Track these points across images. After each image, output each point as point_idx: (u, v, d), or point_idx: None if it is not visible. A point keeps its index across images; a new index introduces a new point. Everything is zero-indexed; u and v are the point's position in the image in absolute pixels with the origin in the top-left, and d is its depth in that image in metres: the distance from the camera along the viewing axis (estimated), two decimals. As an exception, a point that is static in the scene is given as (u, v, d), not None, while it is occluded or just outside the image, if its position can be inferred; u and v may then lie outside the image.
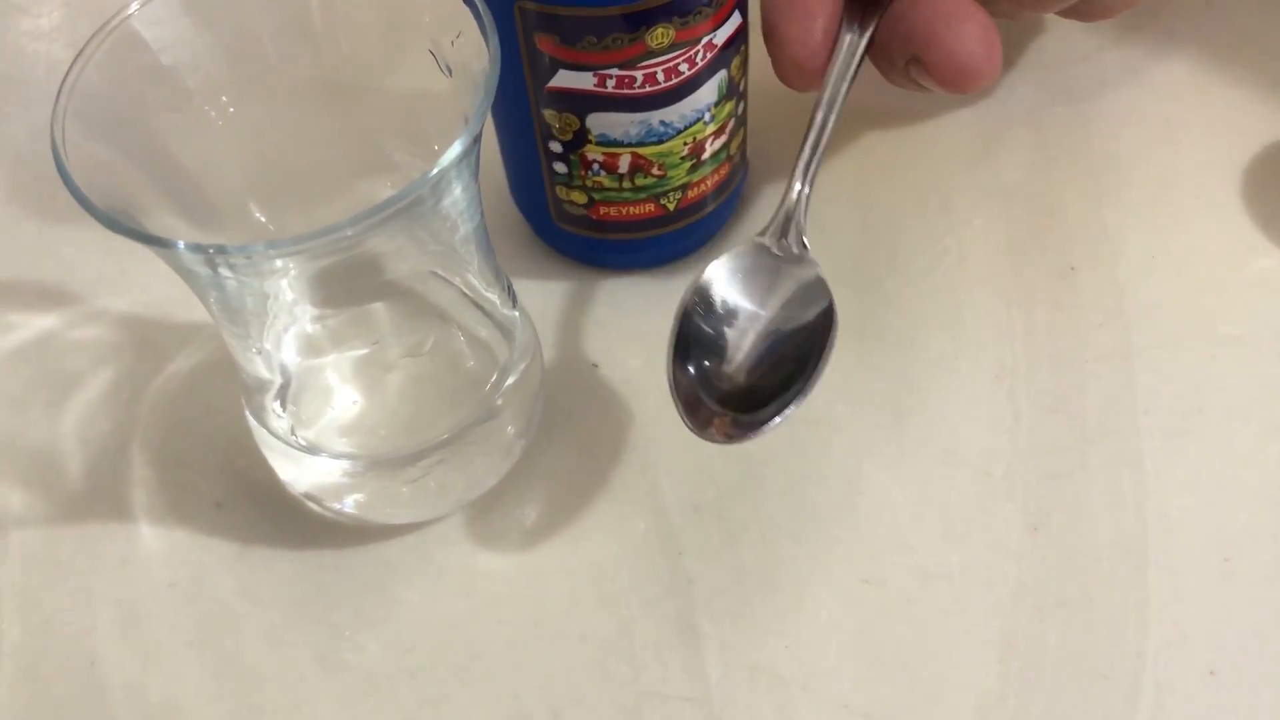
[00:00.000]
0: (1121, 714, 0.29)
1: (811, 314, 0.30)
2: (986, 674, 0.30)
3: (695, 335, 0.30)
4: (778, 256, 0.31)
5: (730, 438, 0.29)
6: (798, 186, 0.31)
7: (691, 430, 0.29)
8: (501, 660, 0.31)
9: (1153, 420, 0.34)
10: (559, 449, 0.34)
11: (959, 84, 0.32)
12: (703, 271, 0.31)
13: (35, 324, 0.38)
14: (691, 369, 0.30)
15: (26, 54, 0.45)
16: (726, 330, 0.30)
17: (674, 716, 0.30)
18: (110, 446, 0.35)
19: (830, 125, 0.32)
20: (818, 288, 0.30)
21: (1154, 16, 0.43)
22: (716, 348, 0.30)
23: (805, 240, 0.31)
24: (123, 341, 0.38)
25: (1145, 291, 0.36)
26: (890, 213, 0.38)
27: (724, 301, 0.30)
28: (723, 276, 0.31)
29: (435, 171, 0.24)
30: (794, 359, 0.30)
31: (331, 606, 0.32)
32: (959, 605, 0.31)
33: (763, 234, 0.31)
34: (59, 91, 0.25)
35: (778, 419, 0.28)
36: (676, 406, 0.29)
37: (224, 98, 0.28)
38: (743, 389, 0.30)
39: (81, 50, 0.25)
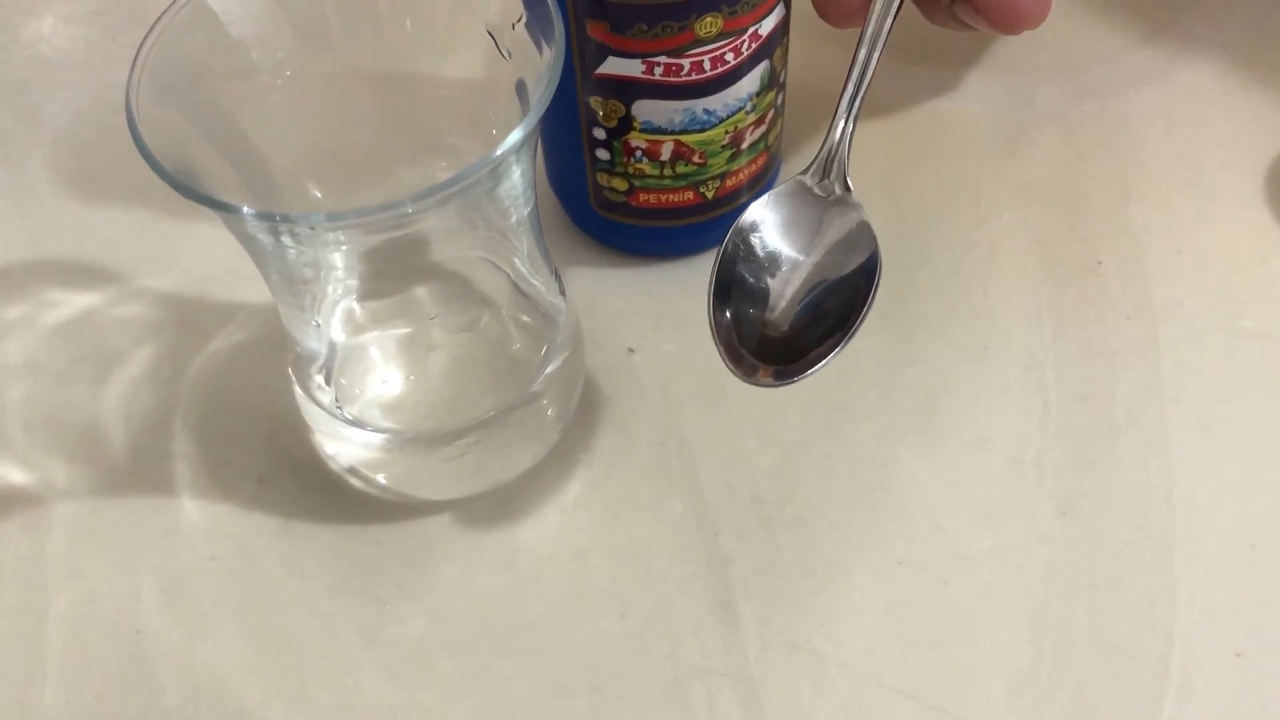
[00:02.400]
0: (1150, 693, 0.30)
1: (855, 260, 0.29)
2: (1019, 654, 0.31)
3: (737, 280, 0.30)
4: (819, 197, 0.30)
5: (774, 381, 0.29)
6: (841, 124, 0.30)
7: (731, 371, 0.28)
8: (542, 634, 0.31)
9: (1179, 410, 0.34)
10: (597, 431, 0.35)
11: (1009, 24, 0.32)
12: (744, 212, 0.30)
13: (77, 302, 0.39)
14: (731, 313, 0.29)
15: (65, 36, 0.46)
16: (768, 276, 0.30)
17: (713, 691, 0.30)
18: (153, 422, 0.36)
19: (874, 63, 0.31)
20: (861, 232, 0.30)
21: (1177, 19, 0.44)
22: (758, 293, 0.30)
23: (849, 181, 0.30)
24: (164, 320, 0.38)
25: (1171, 286, 0.37)
26: (922, 206, 0.39)
27: (766, 245, 0.30)
28: (764, 219, 0.30)
29: (498, 153, 0.24)
30: (836, 303, 0.29)
31: (374, 580, 0.33)
32: (991, 587, 0.32)
33: (805, 172, 0.31)
34: (134, 59, 0.25)
35: (819, 366, 0.28)
36: (717, 349, 0.29)
37: (288, 72, 0.28)
38: (785, 335, 0.29)
39: (158, 19, 0.26)
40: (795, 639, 0.31)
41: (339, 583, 0.33)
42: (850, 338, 0.28)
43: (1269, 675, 0.30)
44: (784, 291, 0.30)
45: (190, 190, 0.24)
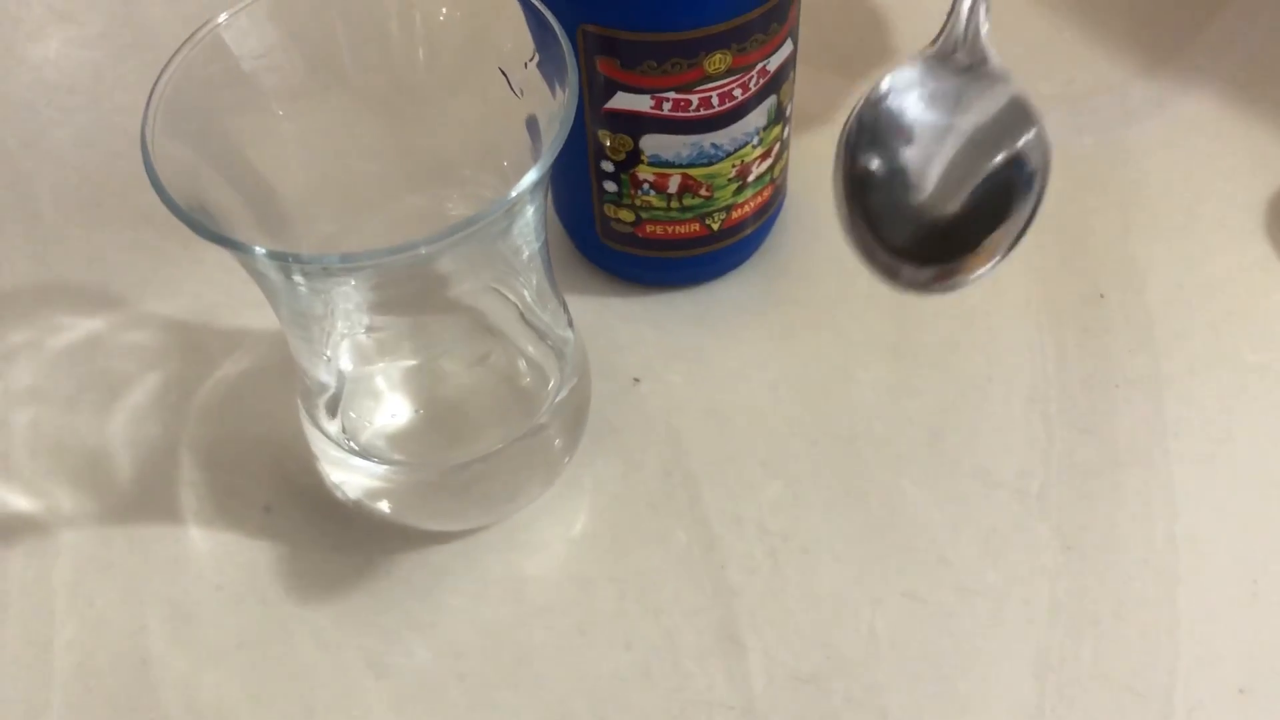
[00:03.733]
0: (1154, 729, 0.30)
1: (1013, 138, 0.25)
2: (1023, 688, 0.31)
3: (874, 165, 0.25)
4: (955, 71, 0.26)
5: (932, 286, 0.25)
6: None
7: (877, 275, 0.25)
8: (549, 666, 0.32)
9: (1182, 444, 0.34)
10: (603, 461, 0.35)
11: None
12: (874, 87, 0.25)
13: (84, 326, 0.39)
14: (867, 205, 0.25)
15: (72, 61, 0.46)
16: (911, 157, 0.25)
17: (719, 724, 0.30)
18: (159, 449, 0.36)
19: None
20: (1014, 106, 0.25)
21: (1178, 51, 0.44)
22: (901, 177, 0.25)
23: (989, 51, 0.25)
24: (170, 346, 0.38)
25: (1173, 319, 0.37)
26: (925, 237, 0.39)
27: (905, 122, 0.25)
28: (900, 89, 0.25)
29: (514, 195, 0.25)
30: (994, 190, 0.25)
31: (380, 610, 0.33)
32: (996, 621, 0.32)
33: (931, 45, 0.26)
34: (149, 98, 0.25)
35: (987, 267, 0.24)
36: (854, 249, 0.25)
37: (299, 103, 0.28)
38: (938, 223, 0.25)
39: (172, 56, 0.26)
40: (801, 672, 0.31)
41: (346, 612, 0.33)
42: (1026, 231, 0.25)
43: (1271, 712, 0.30)
44: (929, 172, 0.25)
45: (206, 230, 0.24)
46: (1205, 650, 0.31)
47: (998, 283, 0.38)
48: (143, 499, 0.35)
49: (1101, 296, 0.38)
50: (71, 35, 0.47)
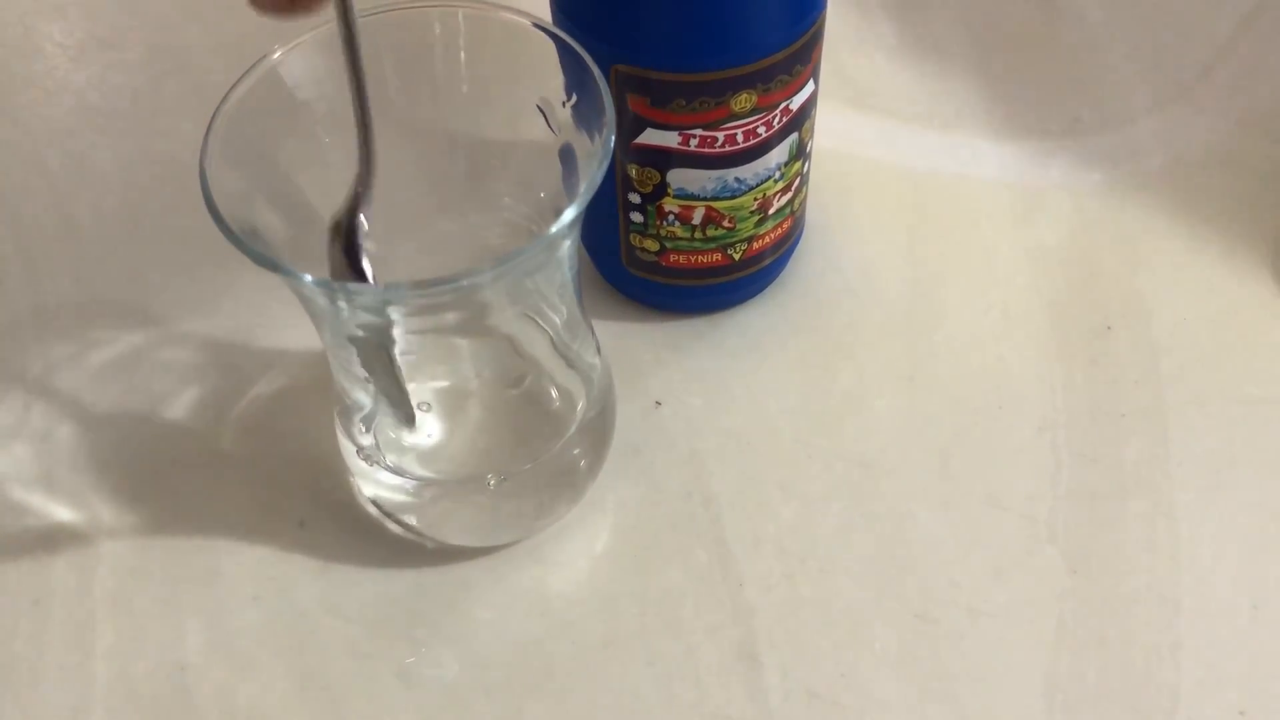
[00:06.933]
0: (1157, 748, 0.31)
1: None
2: (1031, 709, 0.32)
3: None
4: None
5: None
6: None
7: None
8: (573, 679, 0.33)
9: (1186, 472, 0.36)
10: (626, 482, 0.36)
11: None
12: None
13: (123, 343, 0.40)
14: None
15: (111, 85, 0.47)
16: None
17: (737, 737, 0.32)
18: (196, 464, 0.37)
19: None
20: None
21: (1185, 90, 0.45)
22: None
23: None
24: (206, 363, 0.39)
25: (1178, 352, 0.38)
26: (939, 270, 0.41)
27: None
28: None
29: (553, 232, 0.26)
30: None
31: (411, 623, 0.34)
32: (1005, 642, 0.33)
33: None
34: (207, 130, 0.27)
35: None
36: None
37: (345, 130, 0.29)
38: None
39: (229, 92, 0.27)
40: (816, 689, 0.32)
41: (377, 624, 0.34)
42: None
43: (1271, 733, 0.31)
44: None
45: (261, 256, 0.26)
46: (1207, 673, 0.32)
47: (1008, 314, 0.40)
48: (181, 512, 0.36)
49: (1109, 329, 0.39)
50: (113, 61, 0.48)
